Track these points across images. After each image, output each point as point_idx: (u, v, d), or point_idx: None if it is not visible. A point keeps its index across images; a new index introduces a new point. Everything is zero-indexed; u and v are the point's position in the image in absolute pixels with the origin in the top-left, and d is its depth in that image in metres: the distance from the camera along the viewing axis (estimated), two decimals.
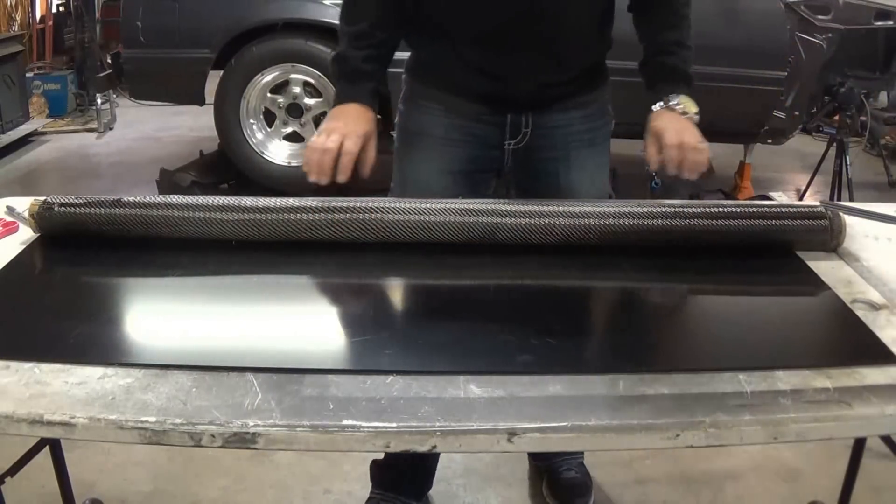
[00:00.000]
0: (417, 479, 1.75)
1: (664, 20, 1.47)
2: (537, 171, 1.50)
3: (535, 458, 1.84)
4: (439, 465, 1.89)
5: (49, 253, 1.22)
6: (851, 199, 3.52)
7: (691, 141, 1.31)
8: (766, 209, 1.21)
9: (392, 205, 1.18)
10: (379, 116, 1.39)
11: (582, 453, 1.79)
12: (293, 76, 3.82)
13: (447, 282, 1.16)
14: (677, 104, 1.37)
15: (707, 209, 1.20)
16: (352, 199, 1.20)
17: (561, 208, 1.19)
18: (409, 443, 0.82)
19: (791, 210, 1.23)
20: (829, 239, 1.21)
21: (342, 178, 1.26)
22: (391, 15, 1.41)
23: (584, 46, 1.45)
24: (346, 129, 1.28)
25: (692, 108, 1.38)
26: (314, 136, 1.28)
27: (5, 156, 4.92)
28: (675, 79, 1.42)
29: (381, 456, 1.73)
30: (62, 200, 1.22)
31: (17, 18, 6.33)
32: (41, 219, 1.22)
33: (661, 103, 1.38)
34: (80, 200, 1.22)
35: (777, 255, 1.21)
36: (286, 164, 3.94)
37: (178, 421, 0.82)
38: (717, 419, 0.83)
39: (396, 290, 1.16)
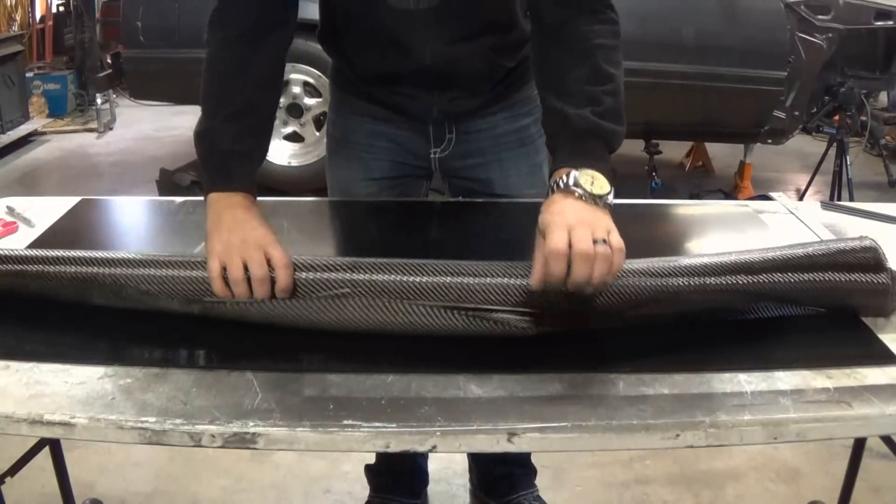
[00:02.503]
0: (412, 478, 1.75)
1: (567, 49, 1.10)
2: (470, 177, 1.45)
3: (489, 496, 1.79)
4: (439, 466, 1.89)
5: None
6: (851, 199, 3.53)
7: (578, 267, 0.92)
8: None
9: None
10: None
11: (535, 486, 1.73)
12: (293, 76, 3.82)
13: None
14: (574, 185, 0.97)
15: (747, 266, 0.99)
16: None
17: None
18: (409, 443, 0.82)
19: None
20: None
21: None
22: (268, 75, 1.19)
23: (491, 74, 1.35)
24: (243, 252, 0.98)
25: (600, 188, 0.97)
26: (209, 259, 0.99)
27: (5, 156, 4.92)
28: (577, 141, 1.03)
29: (373, 460, 1.73)
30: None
31: (17, 18, 6.32)
32: None
33: (556, 182, 1.00)
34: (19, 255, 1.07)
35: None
36: (286, 164, 3.94)
37: (178, 421, 0.82)
38: (717, 419, 0.83)
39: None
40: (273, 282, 0.97)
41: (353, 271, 0.98)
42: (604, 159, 1.02)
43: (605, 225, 0.94)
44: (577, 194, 0.97)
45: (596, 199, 0.97)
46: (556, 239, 0.91)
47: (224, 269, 0.97)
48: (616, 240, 0.93)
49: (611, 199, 0.98)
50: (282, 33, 1.20)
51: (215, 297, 0.98)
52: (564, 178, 0.99)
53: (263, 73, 1.17)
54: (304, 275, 0.98)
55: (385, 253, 1.02)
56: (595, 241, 0.91)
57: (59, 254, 1.05)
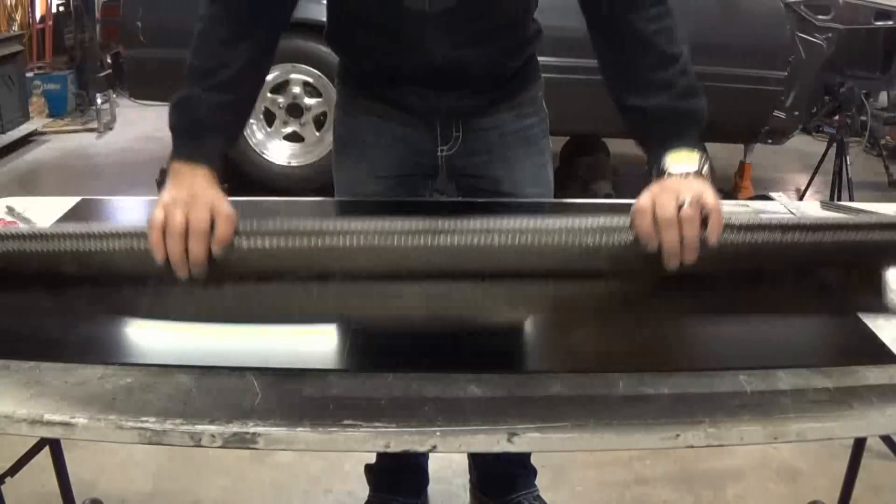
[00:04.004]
0: (413, 478, 1.75)
1: (628, 45, 1.12)
2: (477, 175, 1.45)
3: (488, 496, 1.78)
4: (439, 465, 1.89)
5: None
6: (851, 199, 3.53)
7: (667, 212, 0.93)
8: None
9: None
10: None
11: (535, 486, 1.73)
12: (293, 76, 3.82)
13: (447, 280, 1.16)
14: (665, 168, 1.01)
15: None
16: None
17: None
18: (409, 443, 0.82)
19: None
20: None
21: (196, 271, 0.97)
22: (259, 55, 1.18)
23: (499, 74, 1.37)
24: (189, 205, 0.97)
25: (690, 165, 0.99)
26: (154, 210, 0.98)
27: (5, 156, 4.92)
28: (662, 130, 1.05)
29: (373, 460, 1.73)
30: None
31: (17, 18, 6.32)
32: None
33: (651, 172, 1.03)
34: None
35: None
36: (286, 163, 3.94)
37: (178, 421, 0.82)
38: (717, 419, 0.83)
39: (397, 290, 1.15)
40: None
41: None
42: (691, 137, 1.04)
43: (693, 188, 0.94)
44: (667, 174, 0.99)
45: (686, 174, 0.99)
46: (640, 201, 0.94)
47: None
48: (710, 199, 0.93)
49: (705, 170, 0.99)
50: (279, 16, 1.21)
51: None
52: (657, 165, 1.02)
53: (254, 53, 1.17)
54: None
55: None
56: (680, 206, 0.92)
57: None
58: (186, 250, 0.95)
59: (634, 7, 1.11)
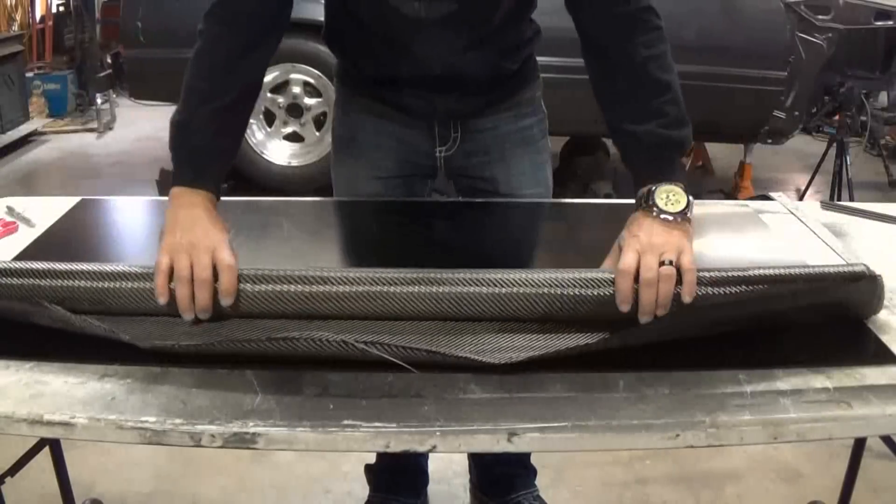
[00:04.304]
0: (412, 478, 1.75)
1: (622, 71, 1.13)
2: (475, 175, 1.45)
3: (488, 496, 1.78)
4: (439, 465, 1.89)
5: (49, 252, 1.22)
6: (851, 199, 3.53)
7: (649, 275, 0.95)
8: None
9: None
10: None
11: (535, 486, 1.73)
12: (293, 76, 3.82)
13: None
14: (652, 203, 1.04)
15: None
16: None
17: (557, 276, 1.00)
18: (409, 443, 0.82)
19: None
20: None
21: (202, 316, 0.99)
22: (259, 72, 1.20)
23: (496, 77, 1.37)
24: (192, 253, 0.99)
25: (676, 204, 1.04)
26: (159, 255, 1.00)
27: (5, 156, 4.92)
28: (650, 157, 1.10)
29: (373, 460, 1.73)
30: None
31: (17, 18, 6.33)
32: None
33: (637, 199, 1.07)
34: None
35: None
36: (286, 163, 3.94)
37: (178, 421, 0.82)
38: (717, 419, 0.83)
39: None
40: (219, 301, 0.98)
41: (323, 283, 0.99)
42: (678, 168, 1.10)
43: (676, 246, 0.99)
44: (654, 213, 1.03)
45: (674, 217, 1.03)
46: (625, 259, 0.97)
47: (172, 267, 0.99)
48: (686, 261, 0.97)
49: (689, 212, 1.04)
50: (276, 35, 1.22)
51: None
52: (644, 195, 1.06)
53: (252, 73, 1.18)
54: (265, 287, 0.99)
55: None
56: (662, 263, 0.96)
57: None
58: (192, 294, 0.98)
59: (630, 33, 1.13)
